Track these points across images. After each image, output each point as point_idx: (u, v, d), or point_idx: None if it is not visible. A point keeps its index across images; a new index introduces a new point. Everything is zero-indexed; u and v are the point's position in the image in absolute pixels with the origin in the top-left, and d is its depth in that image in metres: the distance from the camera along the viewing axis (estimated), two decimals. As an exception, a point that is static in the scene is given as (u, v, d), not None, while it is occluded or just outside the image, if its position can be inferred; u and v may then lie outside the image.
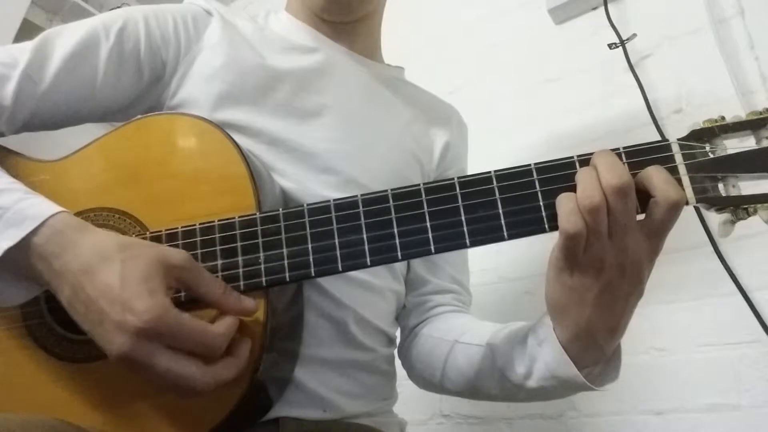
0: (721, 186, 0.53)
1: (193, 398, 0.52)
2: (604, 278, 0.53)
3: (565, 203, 0.52)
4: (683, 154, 0.53)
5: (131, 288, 0.48)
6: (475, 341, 0.72)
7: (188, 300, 0.55)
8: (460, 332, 0.76)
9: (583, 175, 0.52)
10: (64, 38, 0.70)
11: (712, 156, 0.53)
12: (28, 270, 0.53)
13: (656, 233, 0.52)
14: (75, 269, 0.50)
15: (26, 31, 1.63)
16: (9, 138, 0.70)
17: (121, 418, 0.58)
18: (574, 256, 0.52)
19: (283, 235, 0.58)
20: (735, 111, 0.55)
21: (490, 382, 0.68)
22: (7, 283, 0.54)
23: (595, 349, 0.57)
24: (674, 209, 0.50)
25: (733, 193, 0.53)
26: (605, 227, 0.51)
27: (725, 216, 0.53)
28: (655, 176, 0.51)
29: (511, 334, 0.66)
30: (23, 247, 0.51)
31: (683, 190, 0.52)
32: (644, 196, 0.52)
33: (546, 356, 0.59)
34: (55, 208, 0.54)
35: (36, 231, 0.52)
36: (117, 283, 0.49)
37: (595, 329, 0.55)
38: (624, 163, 0.52)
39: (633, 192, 0.51)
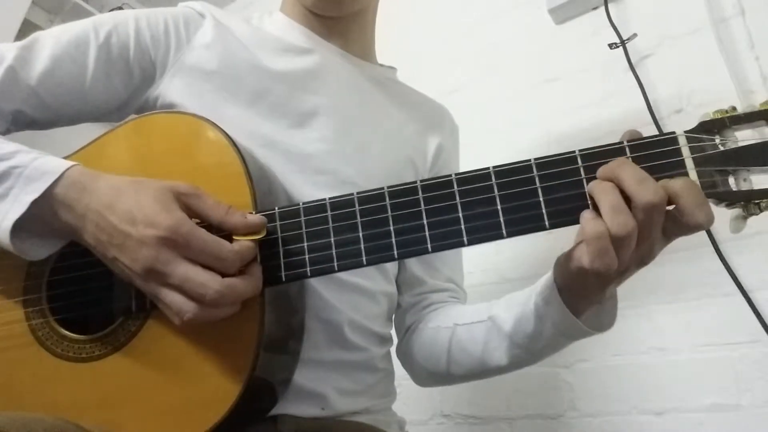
0: (731, 180, 0.50)
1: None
2: (624, 275, 0.54)
3: (597, 241, 0.49)
4: (691, 147, 0.51)
5: (148, 208, 0.53)
6: (475, 319, 0.74)
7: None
8: (456, 316, 0.78)
9: (608, 198, 0.49)
10: (54, 38, 0.72)
11: (722, 148, 0.50)
12: (52, 221, 0.57)
13: (679, 236, 0.52)
14: (96, 207, 0.55)
15: (26, 31, 1.62)
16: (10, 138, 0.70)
17: (123, 417, 0.58)
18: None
19: (279, 235, 0.57)
20: (735, 111, 0.54)
21: (499, 352, 0.70)
22: (32, 238, 0.58)
23: (593, 301, 0.60)
24: (697, 229, 0.49)
25: (745, 187, 0.50)
26: (635, 242, 0.50)
27: (736, 211, 0.51)
28: (686, 197, 0.48)
29: (511, 302, 0.70)
30: (46, 198, 0.56)
31: (710, 211, 0.49)
32: None
33: (553, 315, 0.61)
34: (70, 162, 0.59)
35: (56, 183, 0.56)
36: (135, 207, 0.54)
37: (600, 297, 0.59)
38: (637, 165, 0.50)
39: (665, 205, 0.49)
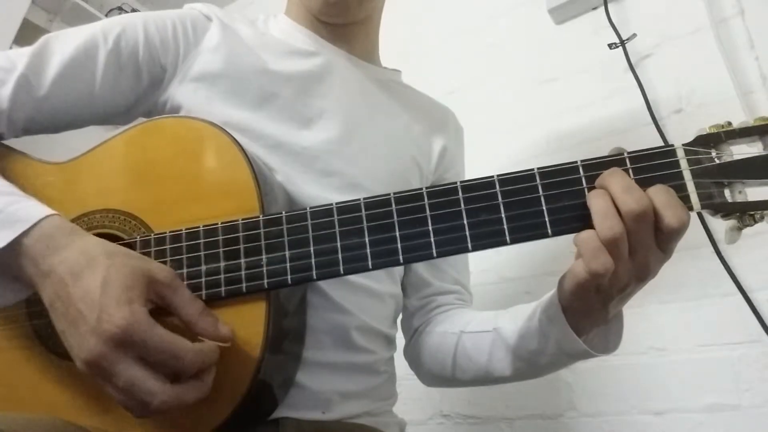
0: (727, 192, 0.52)
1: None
2: (625, 292, 0.54)
3: (588, 242, 0.50)
4: (688, 160, 0.52)
5: (111, 294, 0.49)
6: (481, 328, 0.75)
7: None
8: (464, 323, 0.79)
9: (597, 202, 0.51)
10: (63, 44, 0.71)
11: (718, 162, 0.52)
12: (16, 271, 0.54)
13: (669, 246, 0.52)
14: (61, 271, 0.51)
15: (26, 31, 1.63)
16: (15, 139, 0.71)
17: (123, 418, 0.57)
18: (600, 285, 0.53)
19: (286, 238, 0.58)
20: (735, 111, 0.55)
21: (503, 364, 0.71)
22: None
23: (598, 321, 0.60)
24: (682, 230, 0.50)
25: (740, 199, 0.52)
26: (627, 251, 0.51)
27: (732, 222, 0.53)
28: (656, 199, 0.50)
29: (517, 316, 0.70)
30: (13, 248, 0.52)
31: (687, 208, 0.51)
32: None
33: (557, 334, 0.62)
34: (47, 210, 0.55)
35: (27, 233, 0.52)
36: (98, 288, 0.49)
37: (604, 316, 0.58)
38: (631, 177, 0.52)
39: (652, 214, 0.50)
